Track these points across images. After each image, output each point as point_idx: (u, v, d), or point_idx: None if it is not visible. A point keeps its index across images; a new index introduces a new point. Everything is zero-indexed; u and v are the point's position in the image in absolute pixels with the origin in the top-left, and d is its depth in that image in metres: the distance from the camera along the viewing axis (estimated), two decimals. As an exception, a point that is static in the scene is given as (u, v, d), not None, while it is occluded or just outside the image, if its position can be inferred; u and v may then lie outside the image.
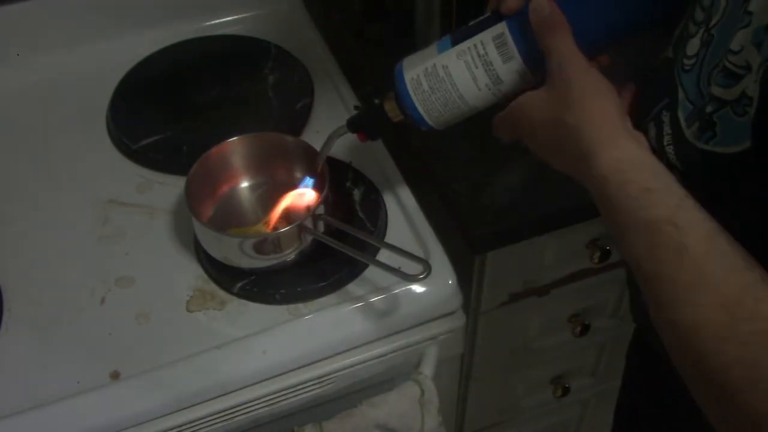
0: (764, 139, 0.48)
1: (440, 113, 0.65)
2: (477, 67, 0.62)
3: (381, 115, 0.69)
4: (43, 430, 0.68)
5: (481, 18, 0.63)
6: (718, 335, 0.42)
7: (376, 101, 0.70)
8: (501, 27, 0.61)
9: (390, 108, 0.68)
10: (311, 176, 0.79)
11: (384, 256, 0.76)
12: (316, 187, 0.78)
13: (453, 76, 0.63)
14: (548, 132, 0.56)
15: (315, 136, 0.91)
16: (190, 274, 0.79)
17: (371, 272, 0.77)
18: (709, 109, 0.52)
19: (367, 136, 0.73)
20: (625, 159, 0.49)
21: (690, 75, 0.55)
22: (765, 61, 0.46)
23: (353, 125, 0.73)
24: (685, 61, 0.55)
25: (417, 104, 0.65)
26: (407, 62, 0.66)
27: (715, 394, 0.42)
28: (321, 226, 0.76)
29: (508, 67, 0.61)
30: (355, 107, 0.93)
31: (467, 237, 0.83)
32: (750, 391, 0.40)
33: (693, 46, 0.54)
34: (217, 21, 1.09)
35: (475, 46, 0.62)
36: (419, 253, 0.77)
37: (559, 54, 0.55)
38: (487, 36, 0.61)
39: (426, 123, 0.67)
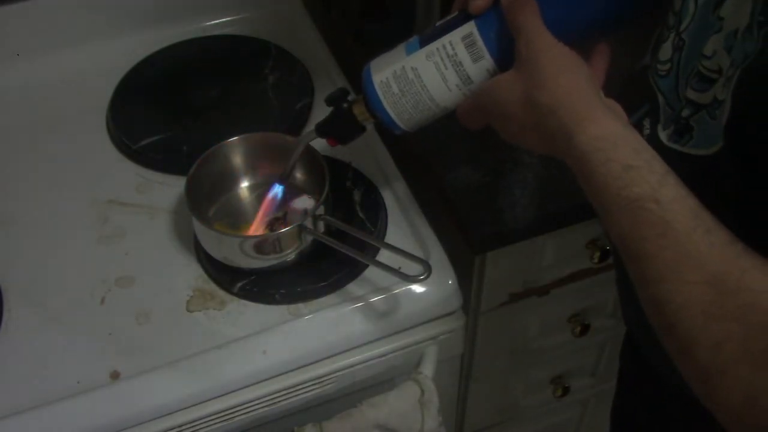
0: (736, 142, 0.48)
1: (411, 115, 0.65)
2: (447, 68, 0.61)
3: (350, 119, 0.68)
4: (43, 430, 0.68)
5: (449, 17, 0.62)
6: (706, 312, 0.42)
7: (345, 105, 0.68)
8: (469, 26, 0.60)
9: (359, 112, 0.67)
10: (280, 183, 0.79)
11: (384, 256, 0.76)
12: (317, 189, 0.78)
13: (423, 77, 0.62)
14: (520, 113, 0.55)
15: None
16: (190, 274, 0.79)
17: (371, 272, 0.77)
18: (685, 113, 0.52)
19: (336, 140, 0.72)
20: (604, 136, 0.48)
21: (667, 80, 0.55)
22: (734, 65, 0.46)
23: (322, 130, 0.72)
24: (659, 66, 0.55)
25: (387, 107, 0.64)
26: (375, 64, 0.65)
27: (705, 370, 0.42)
28: (321, 227, 0.76)
29: (478, 67, 0.60)
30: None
31: (467, 237, 0.83)
32: (743, 363, 0.40)
33: (666, 51, 0.54)
34: (217, 21, 1.09)
35: (444, 46, 0.61)
36: (419, 254, 0.77)
37: (526, 31, 0.54)
38: (455, 36, 0.60)
39: (397, 126, 0.66)
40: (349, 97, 0.69)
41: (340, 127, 0.70)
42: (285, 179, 0.79)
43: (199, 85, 0.99)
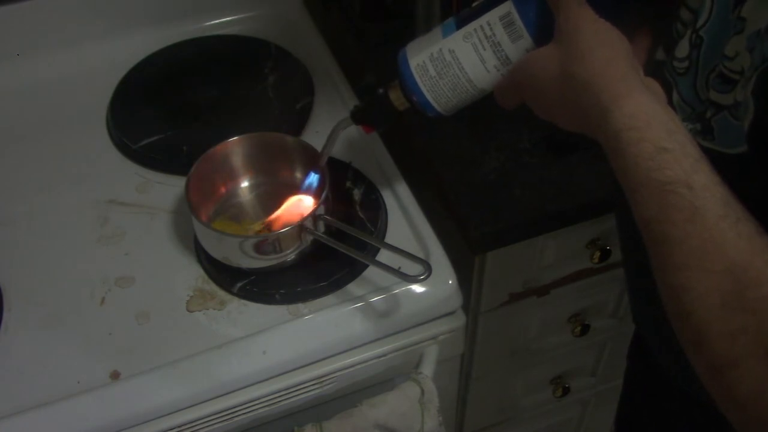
0: (760, 146, 0.47)
1: (449, 99, 0.64)
2: (485, 49, 0.60)
3: (386, 105, 0.68)
4: (43, 430, 0.68)
5: None
6: (724, 302, 0.41)
7: (380, 91, 0.68)
8: (507, 6, 0.59)
9: (395, 97, 0.67)
10: (315, 171, 0.78)
11: (384, 256, 0.76)
12: (319, 185, 0.78)
13: (460, 59, 0.61)
14: (556, 89, 0.54)
15: (315, 136, 0.91)
16: (190, 274, 0.79)
17: (371, 272, 0.77)
18: (708, 114, 0.51)
19: (372, 127, 0.72)
20: (638, 115, 0.47)
21: (685, 79, 0.54)
22: (752, 66, 0.46)
23: (357, 117, 0.71)
24: (677, 64, 0.55)
25: (424, 91, 0.64)
26: (411, 48, 0.64)
27: (717, 361, 0.41)
28: (321, 227, 0.76)
29: (517, 47, 0.59)
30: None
31: (467, 237, 0.83)
32: (755, 356, 0.40)
33: (683, 48, 0.54)
34: (217, 21, 1.09)
35: (481, 27, 0.60)
36: (419, 254, 0.77)
37: (566, 7, 0.53)
38: (493, 16, 0.59)
39: (434, 110, 0.65)
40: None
41: (376, 113, 0.70)
42: (318, 168, 0.78)
43: (200, 85, 0.99)
